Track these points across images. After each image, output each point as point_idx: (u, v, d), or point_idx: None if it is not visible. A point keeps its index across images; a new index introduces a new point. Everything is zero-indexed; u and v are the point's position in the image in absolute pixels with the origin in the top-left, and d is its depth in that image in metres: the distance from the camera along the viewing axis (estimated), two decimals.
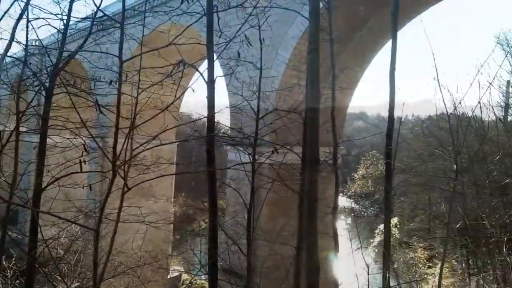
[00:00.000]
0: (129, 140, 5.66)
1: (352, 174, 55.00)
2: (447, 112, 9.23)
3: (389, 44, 8.65)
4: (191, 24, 6.59)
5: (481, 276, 19.73)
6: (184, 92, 7.67)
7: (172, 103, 6.21)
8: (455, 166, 7.42)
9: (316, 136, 6.72)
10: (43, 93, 7.20)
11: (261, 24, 8.82)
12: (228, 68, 9.35)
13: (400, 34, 20.34)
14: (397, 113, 8.72)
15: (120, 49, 6.91)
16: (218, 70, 18.40)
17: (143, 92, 6.49)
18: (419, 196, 33.99)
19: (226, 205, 17.08)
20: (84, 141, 6.50)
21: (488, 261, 19.38)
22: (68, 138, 7.40)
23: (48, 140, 7.15)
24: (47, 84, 7.17)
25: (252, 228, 9.74)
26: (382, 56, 23.11)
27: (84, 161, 5.61)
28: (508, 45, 21.80)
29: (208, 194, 7.69)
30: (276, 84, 15.21)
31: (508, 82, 22.61)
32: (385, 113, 9.15)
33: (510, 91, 22.63)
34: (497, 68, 24.02)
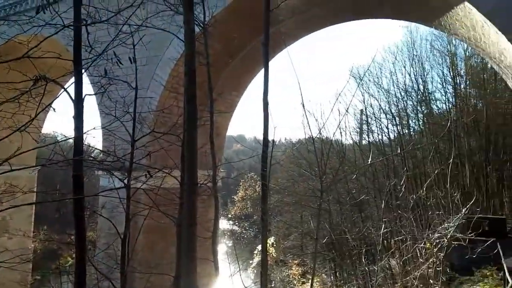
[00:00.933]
0: None
1: (232, 196, 55.99)
2: (313, 136, 9.99)
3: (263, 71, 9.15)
4: (50, 36, 5.91)
5: (347, 287, 21.65)
6: (42, 110, 6.80)
7: (29, 123, 5.40)
8: (320, 186, 8.03)
9: (194, 159, 6.58)
10: None
11: (136, 43, 8.46)
12: (99, 86, 8.70)
13: (276, 60, 21.86)
14: (271, 137, 9.15)
15: None
16: (87, 87, 17.04)
17: None
18: (292, 215, 36.26)
19: (97, 236, 15.60)
20: None
21: (352, 272, 21.48)
22: None
23: None
24: None
25: (127, 260, 9.01)
26: (259, 82, 24.44)
27: None
28: (359, 78, 25.24)
29: (75, 225, 6.85)
30: (154, 106, 14.74)
31: (361, 110, 26.03)
32: (261, 137, 9.53)
33: (364, 118, 26.01)
34: (351, 97, 27.46)
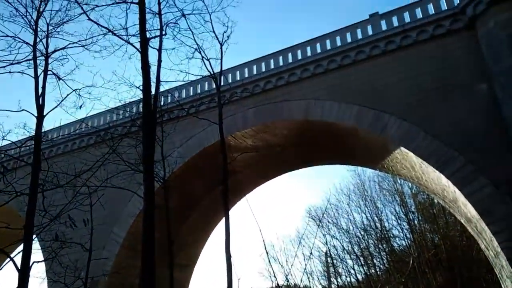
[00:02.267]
0: None
1: None
2: (279, 285, 9.54)
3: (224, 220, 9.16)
4: (2, 205, 5.79)
5: None
6: None
7: None
8: None
9: None
10: None
11: (93, 203, 8.38)
12: (51, 251, 8.16)
13: (236, 208, 22.01)
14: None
15: None
16: (37, 254, 15.84)
17: None
18: None
19: None
20: None
21: None
22: None
23: None
24: None
25: None
26: (221, 230, 24.00)
27: None
28: (319, 220, 25.73)
29: None
30: (109, 266, 13.80)
31: (326, 253, 25.76)
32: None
33: (329, 260, 25.54)
34: (313, 240, 27.40)
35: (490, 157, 10.83)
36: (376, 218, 25.68)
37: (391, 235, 26.66)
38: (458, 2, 12.31)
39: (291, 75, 14.21)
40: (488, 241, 11.39)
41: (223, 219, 8.68)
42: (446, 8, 12.57)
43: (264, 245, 10.15)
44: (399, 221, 25.79)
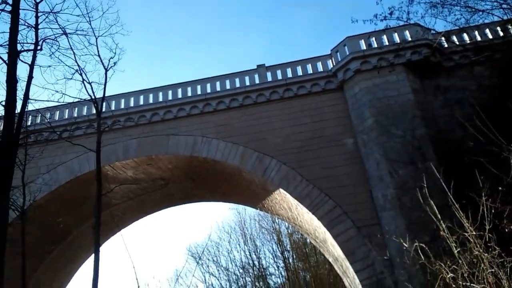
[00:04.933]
0: None
1: None
2: None
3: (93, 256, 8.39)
4: None
5: None
6: None
7: None
8: None
9: None
10: None
11: None
12: None
13: (108, 244, 20.30)
14: None
15: None
16: None
17: None
18: None
19: None
20: None
21: None
22: None
23: None
24: None
25: None
26: (88, 269, 21.83)
27: None
28: (198, 257, 25.24)
29: None
30: None
31: None
32: None
33: None
34: (191, 278, 26.67)
35: (355, 202, 12.06)
36: (254, 256, 26.22)
37: (268, 272, 27.41)
38: (332, 66, 14.05)
39: (180, 110, 14.16)
40: (352, 279, 12.41)
41: (93, 255, 7.97)
42: (322, 70, 14.25)
43: (138, 284, 9.48)
44: (275, 259, 26.73)
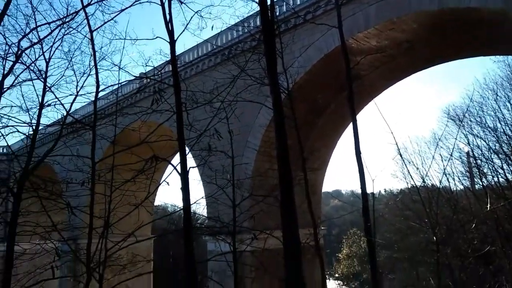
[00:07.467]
0: (104, 240, 5.51)
1: (337, 254, 53.49)
2: (416, 185, 9.50)
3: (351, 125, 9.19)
4: (162, 123, 6.90)
5: None
6: (158, 186, 7.71)
7: (146, 198, 6.21)
8: (435, 238, 7.42)
9: (294, 219, 6.74)
10: (11, 198, 7.02)
11: (229, 116, 9.31)
12: (201, 158, 9.57)
13: (364, 112, 21.71)
14: (370, 189, 8.92)
15: (93, 150, 7.05)
16: (190, 161, 18.62)
17: (116, 190, 6.49)
18: (406, 272, 33.18)
19: None
20: (55, 245, 6.26)
21: None
22: (37, 244, 7.08)
23: (16, 247, 6.81)
24: (15, 190, 7.02)
25: None
26: (349, 136, 24.19)
27: (56, 267, 5.33)
28: (459, 120, 23.52)
29: None
30: (249, 170, 15.49)
31: (467, 153, 23.94)
32: (358, 190, 9.40)
33: (472, 161, 23.80)
34: (453, 140, 25.47)
35: None
36: None
37: None
38: None
39: None
40: None
41: (351, 124, 8.69)
42: None
43: (398, 147, 10.04)
44: None
